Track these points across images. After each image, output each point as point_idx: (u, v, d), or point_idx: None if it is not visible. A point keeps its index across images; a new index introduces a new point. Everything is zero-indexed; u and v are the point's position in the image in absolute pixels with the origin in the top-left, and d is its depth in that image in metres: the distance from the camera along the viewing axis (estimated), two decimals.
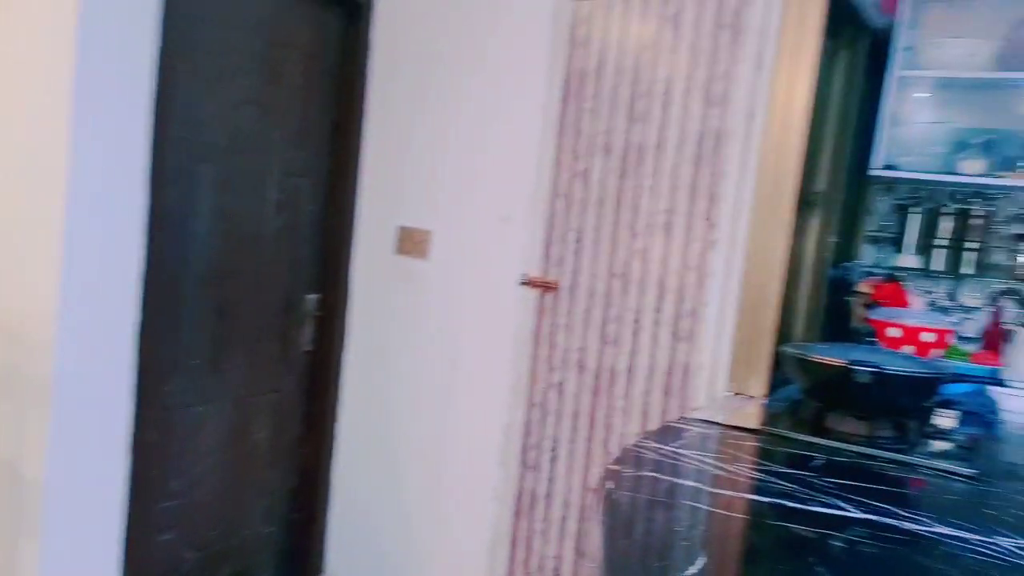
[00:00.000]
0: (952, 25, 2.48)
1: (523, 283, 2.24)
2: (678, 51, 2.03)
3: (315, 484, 2.54)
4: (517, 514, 2.32)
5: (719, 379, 2.00)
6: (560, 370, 2.23)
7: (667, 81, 2.04)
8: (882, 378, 1.56)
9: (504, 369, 2.27)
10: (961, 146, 2.48)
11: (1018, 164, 2.38)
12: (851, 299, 2.48)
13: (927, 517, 1.20)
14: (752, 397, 1.95)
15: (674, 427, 1.65)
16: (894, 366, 1.60)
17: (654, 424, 2.07)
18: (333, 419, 2.55)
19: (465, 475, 2.33)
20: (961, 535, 1.12)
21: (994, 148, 2.44)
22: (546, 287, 2.23)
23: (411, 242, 2.41)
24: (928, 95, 2.60)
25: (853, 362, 1.58)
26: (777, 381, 2.02)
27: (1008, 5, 2.43)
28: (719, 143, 1.98)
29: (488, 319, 2.29)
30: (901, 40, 2.47)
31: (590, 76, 2.15)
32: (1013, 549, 1.08)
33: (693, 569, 0.93)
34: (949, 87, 2.55)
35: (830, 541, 1.07)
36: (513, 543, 2.33)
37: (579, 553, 2.22)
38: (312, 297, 2.46)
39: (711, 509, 1.19)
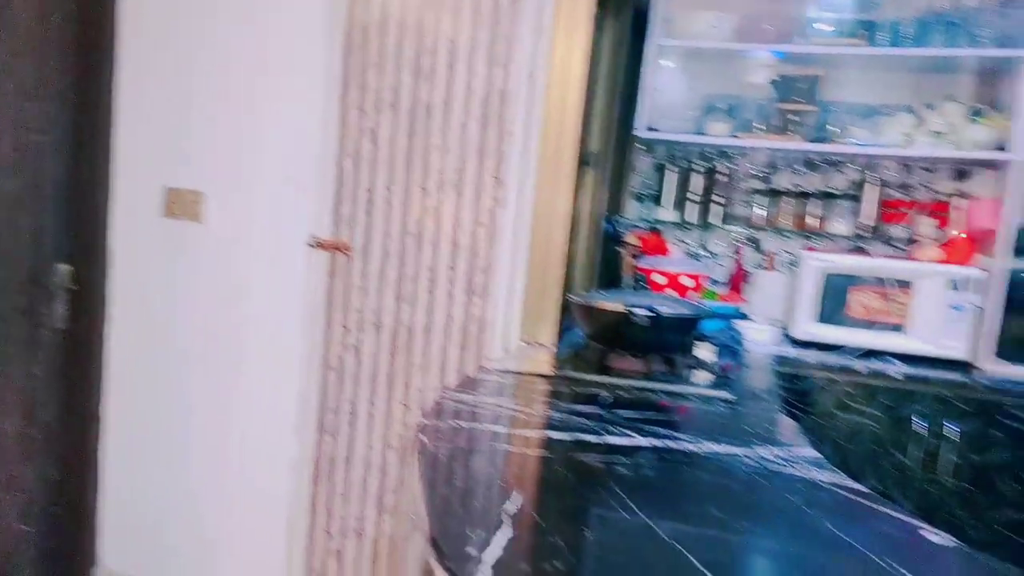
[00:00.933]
0: None
1: (312, 245, 2.16)
2: (461, 10, 2.04)
3: (81, 475, 2.28)
4: (316, 480, 2.27)
5: (512, 331, 2.09)
6: (356, 332, 2.20)
7: (451, 39, 2.05)
8: (656, 319, 1.73)
9: (296, 335, 2.19)
10: (708, 110, 2.78)
11: (754, 126, 2.71)
12: (622, 250, 2.70)
13: (701, 438, 1.37)
14: (543, 345, 2.06)
15: (474, 379, 1.71)
16: (664, 308, 1.78)
17: (452, 379, 2.12)
18: (97, 402, 2.30)
19: (257, 448, 2.23)
20: (730, 450, 1.30)
21: (735, 112, 2.76)
22: (337, 248, 2.17)
23: (181, 204, 2.22)
24: (681, 63, 2.86)
25: (631, 306, 1.73)
26: (563, 328, 2.16)
27: None
28: (504, 103, 2.04)
29: (275, 284, 2.18)
30: (658, 11, 2.69)
31: (373, 30, 2.10)
32: (771, 457, 1.27)
33: (512, 507, 0.98)
34: (698, 56, 2.82)
35: (624, 467, 1.19)
36: (313, 510, 2.28)
37: (382, 511, 2.23)
38: (63, 268, 2.18)
39: (518, 450, 1.26)
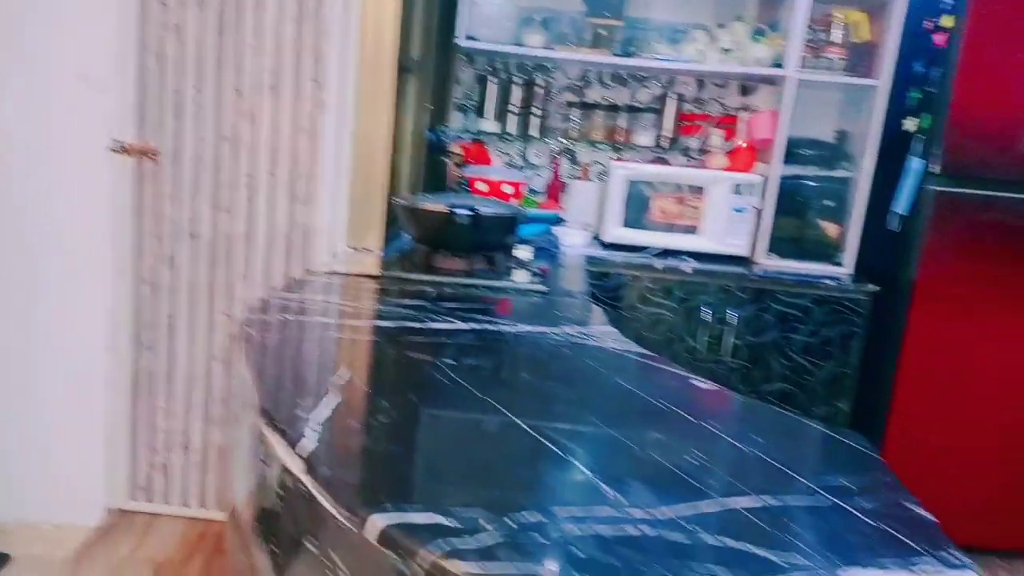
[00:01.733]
0: None
1: (115, 150, 2.03)
2: None
3: None
4: (136, 397, 2.21)
5: (338, 237, 2.11)
6: (171, 242, 2.12)
7: None
8: (477, 219, 1.82)
9: (103, 247, 2.07)
10: (525, 21, 2.85)
11: (568, 40, 2.83)
12: (446, 159, 2.76)
13: (516, 321, 1.50)
14: (370, 251, 2.10)
15: (301, 280, 1.73)
16: (485, 209, 1.88)
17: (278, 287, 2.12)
18: None
19: (67, 369, 2.12)
20: (541, 329, 1.44)
21: (550, 24, 2.85)
22: (144, 154, 2.06)
23: None
24: None
25: (453, 207, 1.81)
26: (391, 236, 2.21)
27: None
28: (320, 1, 1.99)
29: (76, 193, 2.04)
30: None
31: None
32: (574, 334, 1.43)
33: (340, 379, 1.05)
34: None
35: (446, 345, 1.29)
36: (134, 427, 2.22)
37: (209, 422, 2.22)
38: None
39: (346, 336, 1.32)
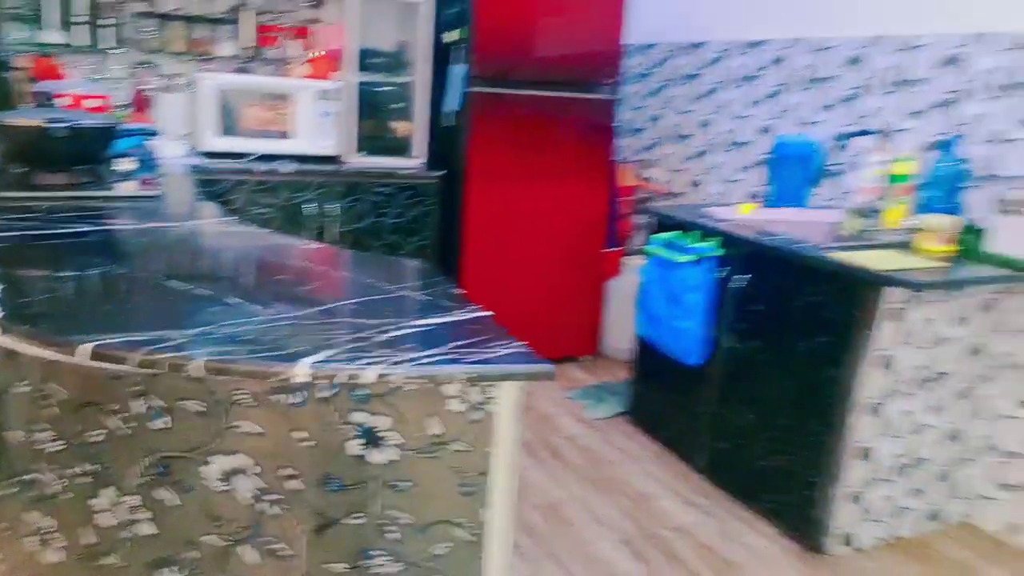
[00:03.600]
0: None
1: None
2: None
3: None
4: None
5: None
6: None
7: None
8: (74, 132, 1.88)
9: None
10: None
11: None
12: (10, 75, 2.57)
13: (133, 220, 1.68)
14: None
15: None
16: (82, 120, 1.93)
17: None
18: None
19: None
20: (164, 225, 1.65)
21: None
22: None
23: None
24: None
25: (50, 120, 1.84)
26: None
27: None
28: None
29: None
30: None
31: None
32: (195, 225, 1.67)
33: None
34: None
35: (79, 242, 1.44)
36: None
37: None
38: None
39: None
